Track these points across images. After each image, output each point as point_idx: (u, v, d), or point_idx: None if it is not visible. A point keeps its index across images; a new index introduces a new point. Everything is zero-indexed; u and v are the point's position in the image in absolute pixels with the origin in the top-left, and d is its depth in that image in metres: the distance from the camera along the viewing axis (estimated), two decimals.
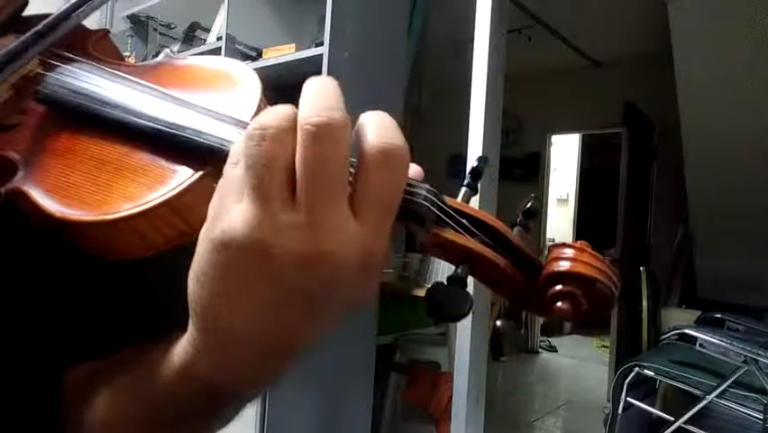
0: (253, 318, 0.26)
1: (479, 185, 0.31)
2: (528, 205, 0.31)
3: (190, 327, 0.29)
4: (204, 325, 0.28)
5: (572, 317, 0.27)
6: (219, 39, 2.28)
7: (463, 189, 0.31)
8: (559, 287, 0.27)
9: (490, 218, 0.29)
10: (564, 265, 0.27)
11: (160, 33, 2.87)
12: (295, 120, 0.24)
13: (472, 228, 0.28)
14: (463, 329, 1.44)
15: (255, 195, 0.24)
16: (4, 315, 0.38)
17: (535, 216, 0.31)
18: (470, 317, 1.41)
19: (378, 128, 0.25)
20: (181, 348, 0.30)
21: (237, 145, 0.26)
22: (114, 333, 0.41)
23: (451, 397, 1.45)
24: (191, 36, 2.71)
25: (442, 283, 0.27)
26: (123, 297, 0.42)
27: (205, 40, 2.60)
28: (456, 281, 0.27)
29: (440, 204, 0.28)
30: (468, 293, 0.27)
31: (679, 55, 2.74)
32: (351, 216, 0.24)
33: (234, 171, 0.25)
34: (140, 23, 2.87)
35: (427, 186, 0.27)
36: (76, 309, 0.40)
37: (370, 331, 2.02)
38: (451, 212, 0.28)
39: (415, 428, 2.50)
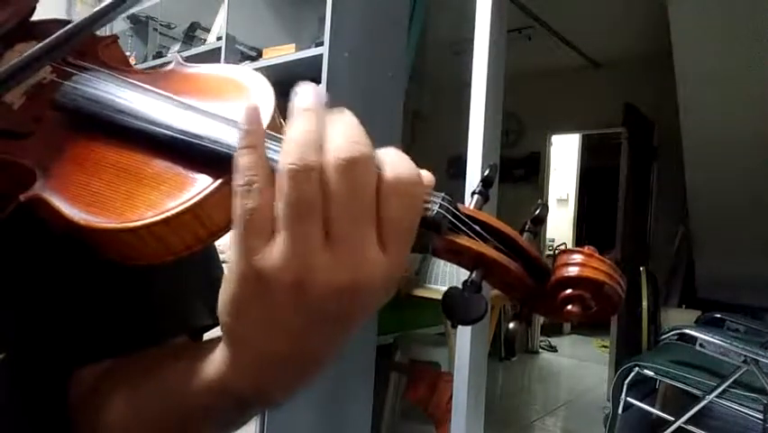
0: (289, 342, 0.27)
1: (490, 192, 0.33)
2: (537, 211, 0.32)
3: (224, 348, 0.30)
4: (239, 349, 0.29)
5: (582, 319, 0.29)
6: (219, 39, 2.28)
7: (475, 197, 0.32)
8: (569, 291, 0.28)
9: (502, 225, 0.30)
10: (574, 270, 0.29)
11: (160, 33, 2.87)
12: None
13: (485, 234, 0.29)
14: (463, 329, 1.43)
15: (295, 233, 0.25)
16: (17, 318, 0.38)
17: (543, 223, 0.32)
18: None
19: (390, 162, 0.26)
20: (215, 364, 0.31)
21: (246, 169, 0.26)
22: (124, 335, 0.41)
23: (451, 397, 1.45)
24: (191, 36, 2.71)
25: (457, 288, 0.28)
26: (132, 299, 0.42)
27: (205, 40, 2.60)
28: (471, 286, 0.28)
29: (454, 211, 0.29)
30: (483, 297, 0.28)
31: (679, 55, 2.73)
32: (378, 247, 0.25)
33: (253, 201, 0.25)
34: (140, 23, 2.87)
35: (442, 194, 0.29)
36: (86, 312, 0.40)
37: (370, 331, 2.02)
38: (465, 219, 0.29)
39: (415, 428, 2.50)
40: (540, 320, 5.01)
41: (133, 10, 2.81)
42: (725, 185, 3.03)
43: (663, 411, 2.22)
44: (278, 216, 0.25)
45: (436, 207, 0.28)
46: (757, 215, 2.87)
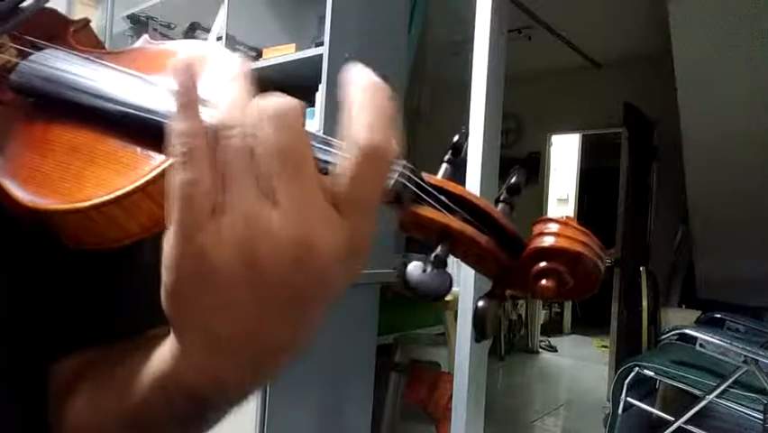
0: (241, 326, 0.25)
1: (460, 161, 0.30)
2: (512, 180, 0.29)
3: (172, 340, 0.27)
4: (188, 339, 0.26)
5: (558, 295, 0.26)
6: (219, 39, 2.28)
7: (444, 166, 0.30)
8: (543, 264, 0.26)
9: (471, 195, 0.28)
10: (548, 241, 0.26)
11: (160, 33, 2.87)
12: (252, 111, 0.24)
13: (452, 205, 0.27)
14: (463, 329, 1.44)
15: (238, 198, 0.23)
16: None
17: (520, 193, 0.29)
18: (469, 318, 1.41)
19: (370, 119, 0.24)
20: (163, 355, 0.28)
21: (185, 135, 0.24)
22: (98, 325, 0.40)
23: (451, 397, 1.45)
24: (191, 36, 2.71)
25: (419, 263, 0.26)
26: (108, 288, 0.41)
27: (205, 40, 2.60)
28: (435, 261, 0.26)
29: (417, 180, 0.27)
30: (446, 273, 0.26)
31: (679, 55, 2.74)
32: (332, 209, 0.24)
33: (195, 171, 0.23)
34: (140, 23, 2.87)
35: (404, 162, 0.26)
36: (60, 302, 0.40)
37: (371, 331, 2.02)
38: (429, 189, 0.27)
39: (415, 428, 2.50)
40: (540, 320, 5.01)
41: (134, 9, 2.81)
42: (725, 185, 3.03)
43: (663, 411, 2.22)
44: (217, 183, 0.23)
45: (396, 176, 0.26)
46: (757, 215, 2.87)
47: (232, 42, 2.14)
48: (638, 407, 2.24)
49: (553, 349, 4.98)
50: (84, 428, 0.35)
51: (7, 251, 0.38)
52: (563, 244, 0.26)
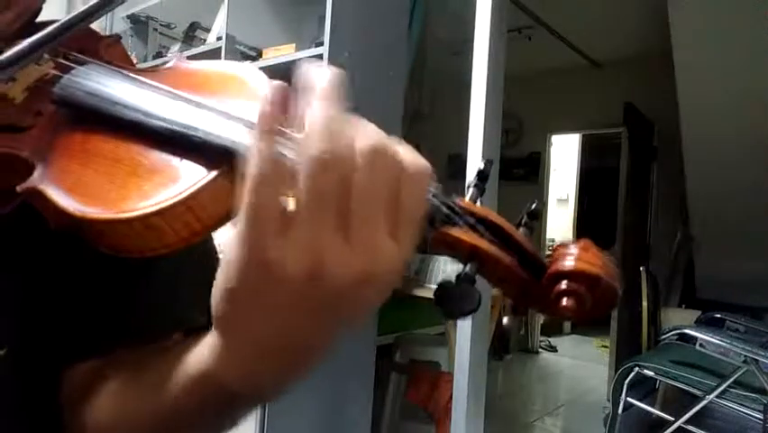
0: (287, 332, 0.26)
1: (485, 187, 0.33)
2: (533, 207, 0.32)
3: (215, 339, 0.29)
4: (233, 338, 0.28)
5: (577, 315, 0.28)
6: (219, 39, 2.28)
7: (471, 190, 0.32)
8: (564, 285, 0.28)
9: (498, 218, 0.30)
10: (569, 263, 0.28)
11: (160, 33, 2.87)
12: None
13: (480, 227, 0.29)
14: (463, 329, 1.44)
15: (314, 226, 0.23)
16: (18, 314, 0.38)
17: (539, 219, 0.32)
18: (469, 318, 1.41)
19: (404, 152, 0.26)
20: (202, 356, 0.30)
21: (265, 155, 0.24)
22: (117, 332, 0.41)
23: (451, 397, 1.45)
24: (191, 36, 2.71)
25: (450, 281, 0.28)
26: (128, 297, 0.42)
27: (205, 40, 2.60)
28: (465, 279, 0.28)
29: (449, 203, 0.29)
30: (476, 290, 0.28)
31: (679, 55, 2.74)
32: (390, 237, 0.25)
33: (269, 191, 0.24)
34: (140, 23, 2.87)
35: (436, 185, 0.29)
36: (81, 309, 0.40)
37: (370, 331, 2.02)
38: (459, 211, 0.29)
39: (415, 428, 2.49)
40: (540, 320, 5.01)
41: (134, 9, 2.82)
42: (724, 185, 3.03)
43: (663, 411, 2.22)
44: (296, 206, 0.24)
45: (431, 198, 0.28)
46: (757, 215, 2.87)
47: (232, 42, 2.14)
48: (638, 407, 2.24)
49: (552, 349, 4.98)
50: (109, 428, 0.36)
51: (28, 254, 0.39)
52: (584, 266, 0.28)
